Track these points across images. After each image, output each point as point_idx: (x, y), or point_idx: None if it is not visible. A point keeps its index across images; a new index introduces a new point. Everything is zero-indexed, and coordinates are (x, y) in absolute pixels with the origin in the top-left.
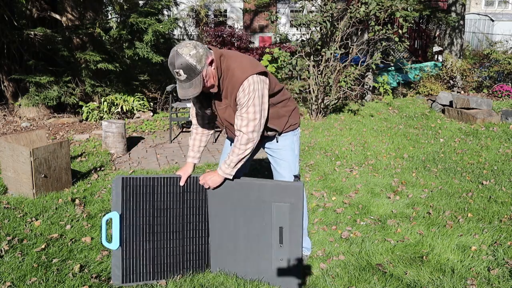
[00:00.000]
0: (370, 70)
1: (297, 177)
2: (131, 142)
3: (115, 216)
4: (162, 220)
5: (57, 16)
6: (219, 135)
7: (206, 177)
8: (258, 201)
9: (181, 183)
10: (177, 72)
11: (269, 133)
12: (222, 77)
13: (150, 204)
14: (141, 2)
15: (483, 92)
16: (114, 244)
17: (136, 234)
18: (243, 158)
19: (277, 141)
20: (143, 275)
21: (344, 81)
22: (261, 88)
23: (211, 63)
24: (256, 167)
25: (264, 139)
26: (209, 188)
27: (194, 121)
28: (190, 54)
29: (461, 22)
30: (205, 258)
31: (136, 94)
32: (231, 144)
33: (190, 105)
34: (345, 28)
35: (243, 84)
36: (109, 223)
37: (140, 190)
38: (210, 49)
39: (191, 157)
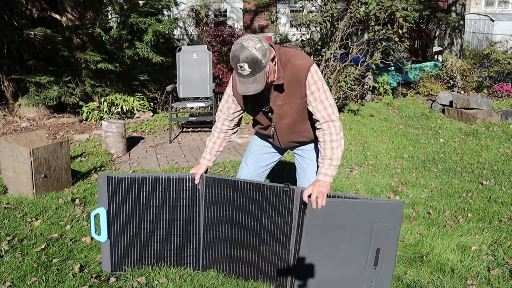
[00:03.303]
0: (370, 70)
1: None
2: (131, 142)
3: (102, 211)
4: (147, 216)
5: (57, 16)
6: None
7: (316, 190)
8: (360, 221)
9: (196, 182)
10: (241, 66)
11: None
12: (283, 68)
13: (136, 200)
14: (141, 2)
15: (483, 92)
16: (103, 237)
17: (123, 227)
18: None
19: (317, 145)
20: (131, 264)
21: (344, 81)
22: (321, 76)
23: (273, 59)
24: None
25: (303, 144)
26: (319, 199)
27: (219, 124)
28: (256, 48)
29: (461, 22)
30: (196, 255)
31: (136, 94)
32: (262, 138)
33: (190, 105)
34: (345, 28)
35: (310, 70)
36: (97, 217)
37: (125, 188)
38: (270, 44)
39: (207, 160)
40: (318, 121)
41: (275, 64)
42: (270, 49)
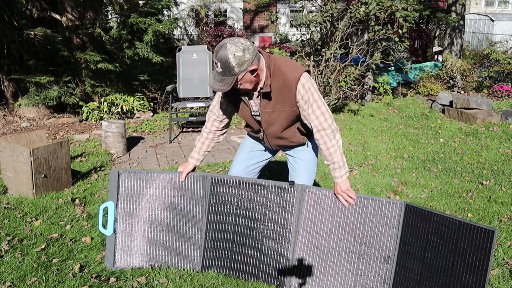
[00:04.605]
0: (370, 70)
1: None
2: (131, 142)
3: (110, 205)
4: (154, 212)
5: (57, 16)
6: None
7: (342, 193)
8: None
9: (182, 179)
10: (215, 62)
11: (304, 137)
12: (272, 77)
13: (144, 196)
14: (141, 2)
15: (483, 92)
16: (109, 231)
17: (129, 223)
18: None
19: (307, 146)
20: (133, 261)
21: (344, 81)
22: (313, 83)
23: (253, 71)
24: None
25: (295, 146)
26: (350, 199)
27: (208, 125)
28: (234, 55)
29: (461, 22)
30: (198, 254)
31: (136, 94)
32: (254, 138)
33: (190, 105)
34: (345, 28)
35: (301, 80)
36: (106, 211)
37: (135, 183)
38: (260, 53)
39: (195, 159)
40: (314, 128)
41: (255, 76)
42: (253, 61)
